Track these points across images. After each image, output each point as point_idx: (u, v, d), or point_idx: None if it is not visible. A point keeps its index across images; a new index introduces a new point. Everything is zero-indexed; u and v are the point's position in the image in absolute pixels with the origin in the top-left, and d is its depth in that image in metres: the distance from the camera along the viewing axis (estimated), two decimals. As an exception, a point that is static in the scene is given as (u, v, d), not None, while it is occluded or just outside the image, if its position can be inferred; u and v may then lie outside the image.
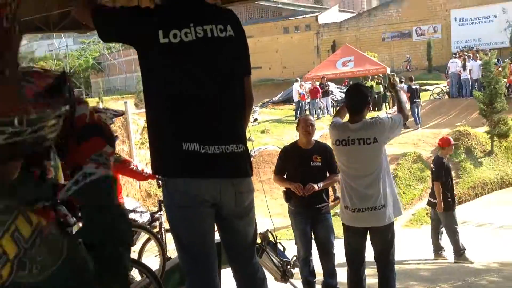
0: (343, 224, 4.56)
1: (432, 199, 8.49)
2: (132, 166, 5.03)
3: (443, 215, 8.36)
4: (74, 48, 54.32)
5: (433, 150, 16.33)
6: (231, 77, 2.63)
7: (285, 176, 5.59)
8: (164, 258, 5.07)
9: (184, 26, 2.52)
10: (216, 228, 2.80)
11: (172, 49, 2.49)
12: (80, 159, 2.93)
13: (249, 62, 2.76)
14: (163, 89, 2.55)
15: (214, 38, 2.57)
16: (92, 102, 24.95)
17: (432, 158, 15.28)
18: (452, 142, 8.83)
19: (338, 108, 5.77)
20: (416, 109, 19.72)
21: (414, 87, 20.71)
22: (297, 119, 23.07)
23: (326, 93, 24.61)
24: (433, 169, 8.39)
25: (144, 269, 4.47)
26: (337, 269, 5.58)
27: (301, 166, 5.42)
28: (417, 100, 20.25)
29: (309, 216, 5.47)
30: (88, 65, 49.94)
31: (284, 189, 5.63)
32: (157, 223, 5.48)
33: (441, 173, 8.25)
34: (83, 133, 3.06)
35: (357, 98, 4.39)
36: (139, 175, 5.18)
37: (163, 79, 2.54)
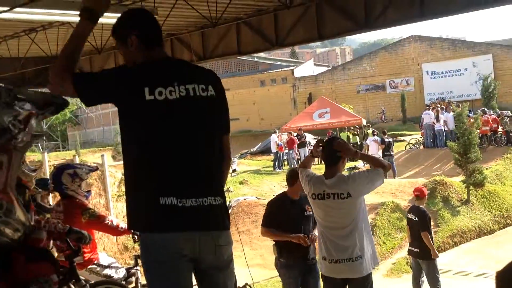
0: (322, 275, 4.52)
1: (413, 249, 8.45)
2: (107, 221, 4.95)
3: (425, 264, 8.33)
4: (51, 101, 54.23)
5: (411, 199, 16.42)
6: (211, 134, 2.69)
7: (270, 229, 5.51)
8: (141, 314, 4.94)
9: (169, 84, 2.55)
10: (195, 282, 2.75)
11: (157, 106, 2.52)
12: (26, 276, 2.95)
13: (228, 121, 2.82)
14: (143, 145, 2.56)
15: (197, 97, 2.62)
16: (69, 155, 24.76)
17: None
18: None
19: (305, 158, 5.65)
20: (390, 161, 20.01)
21: (387, 140, 21.32)
22: (278, 170, 23.25)
23: (303, 144, 24.85)
24: (416, 219, 8.38)
25: None
26: None
27: (297, 216, 5.37)
28: (389, 153, 20.90)
29: (301, 268, 5.40)
30: (65, 118, 49.73)
31: (275, 242, 5.55)
32: (133, 279, 5.34)
33: (427, 222, 8.33)
34: (37, 254, 3.10)
35: (331, 151, 4.41)
36: (114, 231, 5.09)
37: (143, 135, 2.56)
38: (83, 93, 2.57)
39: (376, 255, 4.47)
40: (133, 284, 5.30)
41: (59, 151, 40.25)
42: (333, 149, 4.37)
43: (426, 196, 8.97)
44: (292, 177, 5.49)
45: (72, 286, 4.42)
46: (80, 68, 13.17)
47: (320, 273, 5.34)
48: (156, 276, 2.58)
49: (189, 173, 2.58)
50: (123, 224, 4.98)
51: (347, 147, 4.44)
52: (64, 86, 2.53)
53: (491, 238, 15.19)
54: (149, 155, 2.54)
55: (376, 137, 21.60)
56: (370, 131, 24.91)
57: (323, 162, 4.56)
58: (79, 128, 50.26)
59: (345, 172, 4.70)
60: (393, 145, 22.64)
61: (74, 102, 51.73)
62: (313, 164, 4.89)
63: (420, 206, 8.56)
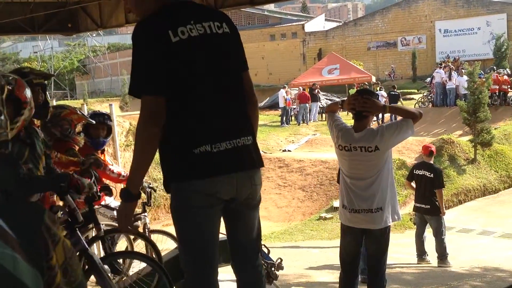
0: (341, 224, 4.51)
1: (423, 205, 8.41)
2: (107, 170, 5.02)
3: (434, 220, 8.40)
4: (59, 50, 54.04)
5: (417, 157, 16.45)
6: (232, 72, 2.67)
7: None
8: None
9: (187, 23, 2.53)
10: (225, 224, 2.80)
11: (183, 45, 2.49)
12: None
13: (245, 57, 2.80)
14: (172, 94, 2.51)
15: (213, 34, 2.59)
16: (76, 104, 24.82)
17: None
18: None
19: (329, 104, 5.43)
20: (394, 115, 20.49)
21: (394, 93, 23.15)
22: (286, 125, 23.22)
23: (315, 98, 24.71)
24: (432, 176, 8.36)
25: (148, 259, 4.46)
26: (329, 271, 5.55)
27: None
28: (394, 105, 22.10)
29: None
30: (73, 67, 49.61)
31: None
32: (139, 223, 5.41)
33: (443, 180, 8.39)
34: None
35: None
36: (114, 178, 5.17)
37: (171, 80, 2.50)
38: (159, 90, 2.49)
39: (398, 210, 4.37)
40: (141, 230, 5.38)
41: (67, 99, 40.36)
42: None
43: None
44: None
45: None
46: (91, 17, 13.00)
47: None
48: (190, 222, 2.60)
49: (219, 116, 2.57)
50: (125, 173, 5.05)
51: (373, 105, 4.19)
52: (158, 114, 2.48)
53: (496, 197, 15.28)
54: (178, 103, 2.51)
55: (382, 92, 23.14)
56: (379, 88, 25.04)
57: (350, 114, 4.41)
58: (87, 77, 50.15)
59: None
60: (401, 98, 24.06)
61: (82, 51, 51.54)
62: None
63: (432, 163, 8.56)
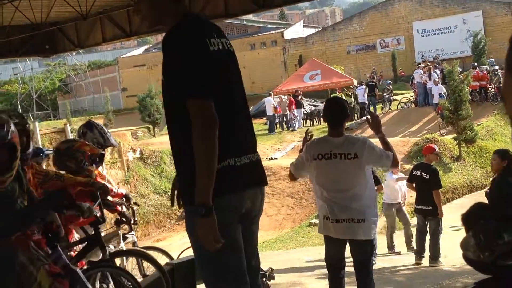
0: (324, 235, 4.47)
1: (425, 207, 8.37)
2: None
3: (435, 221, 8.33)
4: (40, 70, 53.67)
5: (403, 157, 16.54)
6: (242, 88, 2.66)
7: None
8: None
9: (212, 36, 2.50)
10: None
11: (217, 56, 2.47)
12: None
13: None
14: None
15: (229, 50, 2.59)
16: (60, 124, 24.64)
17: (408, 166, 15.46)
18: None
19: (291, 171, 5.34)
20: (372, 102, 24.64)
21: (371, 83, 25.32)
22: (272, 133, 23.21)
23: (299, 105, 24.83)
24: (428, 177, 8.36)
25: (153, 264, 4.51)
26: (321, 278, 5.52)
27: None
28: (373, 94, 25.13)
29: None
30: (54, 87, 49.26)
31: None
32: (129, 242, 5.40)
33: (440, 180, 8.37)
34: None
35: (337, 110, 4.32)
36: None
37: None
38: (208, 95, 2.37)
39: (377, 213, 4.40)
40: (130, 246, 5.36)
41: (50, 120, 40.04)
42: (341, 109, 4.29)
43: None
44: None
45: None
46: (68, 37, 12.92)
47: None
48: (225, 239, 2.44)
49: (241, 130, 2.56)
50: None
51: (379, 121, 4.54)
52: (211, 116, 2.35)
53: (483, 194, 15.31)
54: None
55: (362, 86, 25.58)
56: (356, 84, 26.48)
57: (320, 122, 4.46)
58: (69, 96, 49.80)
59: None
60: (378, 87, 26.48)
61: (63, 71, 51.22)
62: (312, 125, 4.79)
63: (429, 163, 8.52)
